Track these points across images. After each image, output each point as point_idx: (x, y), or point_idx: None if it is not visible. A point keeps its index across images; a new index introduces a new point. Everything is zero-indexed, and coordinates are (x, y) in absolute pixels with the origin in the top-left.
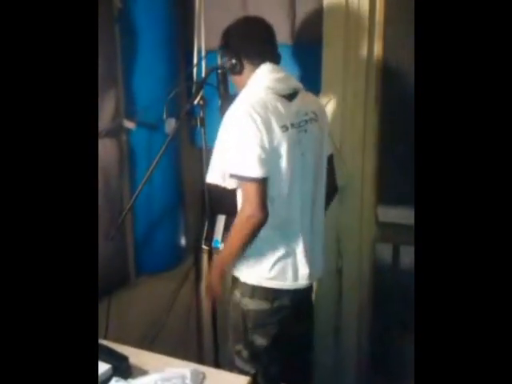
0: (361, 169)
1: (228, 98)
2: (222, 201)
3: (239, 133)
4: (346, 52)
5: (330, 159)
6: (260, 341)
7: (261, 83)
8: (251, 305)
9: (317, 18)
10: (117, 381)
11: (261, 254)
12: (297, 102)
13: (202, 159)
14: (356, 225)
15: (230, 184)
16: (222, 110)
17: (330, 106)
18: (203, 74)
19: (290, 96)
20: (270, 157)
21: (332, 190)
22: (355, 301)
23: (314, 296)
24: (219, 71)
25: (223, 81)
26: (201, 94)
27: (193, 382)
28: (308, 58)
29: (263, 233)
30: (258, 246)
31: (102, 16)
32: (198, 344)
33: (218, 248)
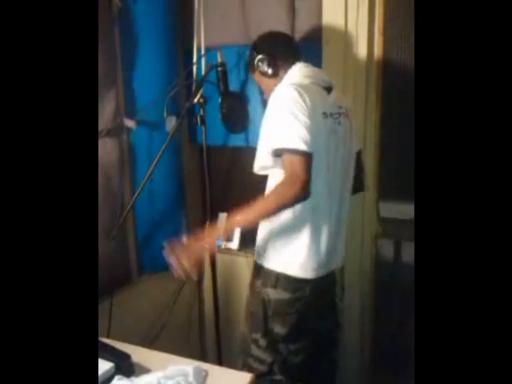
0: None
1: (228, 95)
2: (223, 199)
3: (287, 107)
4: (346, 49)
5: (359, 155)
6: (278, 329)
7: (300, 73)
8: (273, 294)
9: (316, 15)
10: (119, 379)
11: (288, 241)
12: (333, 94)
13: (202, 157)
14: (358, 221)
15: (274, 171)
16: (222, 107)
17: None
18: (203, 72)
19: (328, 89)
20: (312, 136)
21: (358, 186)
22: (357, 297)
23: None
24: (219, 69)
25: (223, 78)
26: (201, 91)
27: (195, 379)
28: (308, 56)
29: (291, 220)
30: (286, 232)
31: (101, 16)
32: (200, 342)
33: (220, 246)
